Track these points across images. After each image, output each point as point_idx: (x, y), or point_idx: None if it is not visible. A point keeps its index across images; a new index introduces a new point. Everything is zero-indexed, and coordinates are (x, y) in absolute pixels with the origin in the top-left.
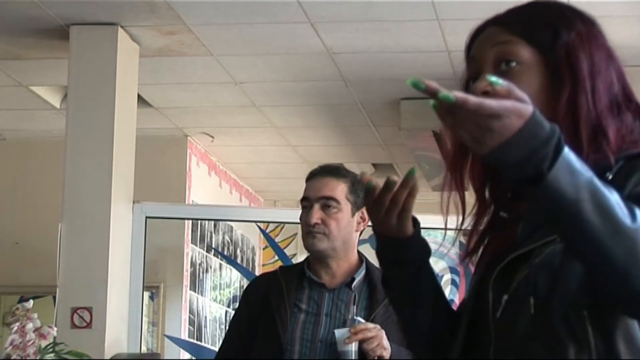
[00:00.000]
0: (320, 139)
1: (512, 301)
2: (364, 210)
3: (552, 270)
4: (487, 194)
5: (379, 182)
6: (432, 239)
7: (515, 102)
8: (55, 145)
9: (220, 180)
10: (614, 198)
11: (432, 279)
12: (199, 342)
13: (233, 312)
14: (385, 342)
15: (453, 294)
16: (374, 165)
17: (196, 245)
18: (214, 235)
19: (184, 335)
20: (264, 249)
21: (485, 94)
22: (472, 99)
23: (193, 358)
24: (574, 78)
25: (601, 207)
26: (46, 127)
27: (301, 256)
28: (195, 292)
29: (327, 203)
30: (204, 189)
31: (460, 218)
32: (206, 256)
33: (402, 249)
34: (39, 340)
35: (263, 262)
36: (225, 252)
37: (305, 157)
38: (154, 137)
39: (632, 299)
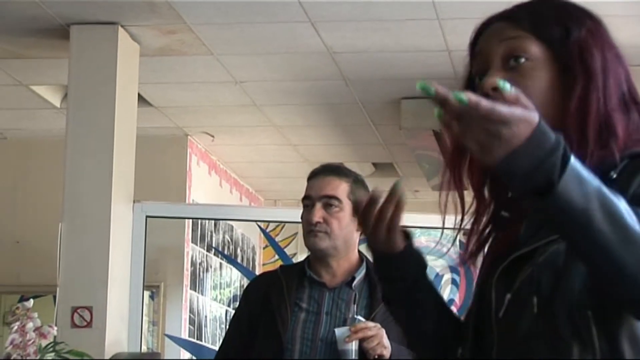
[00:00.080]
0: (320, 139)
1: (515, 300)
2: None
3: (556, 270)
4: (486, 192)
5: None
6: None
7: (523, 109)
8: (55, 145)
9: (220, 180)
10: (623, 206)
11: (431, 291)
12: (199, 342)
13: (233, 312)
14: (386, 341)
15: (453, 293)
16: (374, 164)
17: (196, 245)
18: (214, 235)
19: (184, 335)
20: (264, 248)
21: (494, 90)
22: (485, 102)
23: (193, 357)
24: (586, 74)
25: (611, 216)
26: (46, 126)
27: (301, 255)
28: (195, 291)
29: (329, 202)
30: (204, 188)
31: (460, 217)
32: (206, 255)
33: (394, 264)
34: (39, 340)
35: (263, 262)
36: (226, 252)
37: (306, 156)
38: (155, 137)
39: (639, 303)
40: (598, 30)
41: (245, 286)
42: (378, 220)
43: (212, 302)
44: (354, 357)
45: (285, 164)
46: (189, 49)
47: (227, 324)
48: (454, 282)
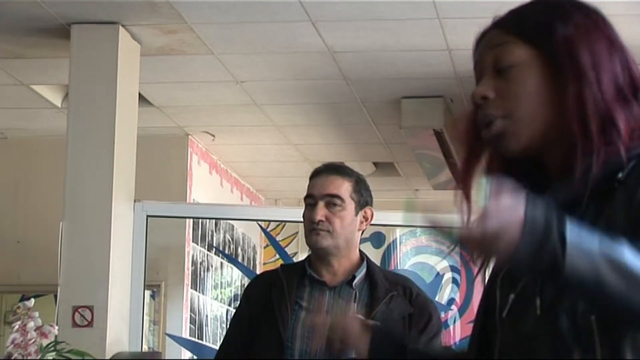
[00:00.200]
0: (321, 138)
1: (519, 301)
2: (366, 209)
3: None
4: None
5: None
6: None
7: (508, 209)
8: (56, 144)
9: (221, 179)
10: (626, 253)
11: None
12: (200, 341)
13: (234, 311)
14: None
15: (454, 292)
16: (375, 163)
17: (197, 244)
18: (215, 234)
19: (185, 334)
20: (265, 247)
21: (484, 99)
22: (474, 233)
23: (194, 357)
24: (576, 71)
25: (621, 270)
26: (47, 126)
27: (302, 255)
28: (196, 290)
29: (332, 201)
30: (205, 187)
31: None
32: (207, 255)
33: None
34: (40, 339)
35: (264, 261)
36: (227, 251)
37: (307, 155)
38: (155, 136)
39: None
40: (589, 24)
41: (246, 285)
42: (328, 342)
43: (213, 301)
44: (353, 355)
45: (286, 164)
46: (190, 48)
47: (228, 323)
48: (454, 281)
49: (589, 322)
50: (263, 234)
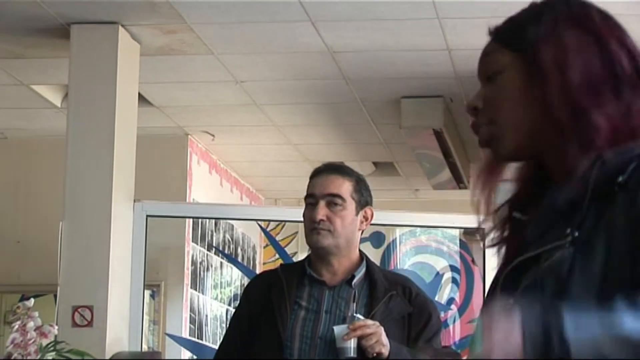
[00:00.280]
0: (321, 138)
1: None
2: (367, 209)
3: (560, 277)
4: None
5: None
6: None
7: (501, 334)
8: (56, 144)
9: (221, 179)
10: (627, 322)
11: None
12: (200, 341)
13: (234, 310)
14: (384, 339)
15: (454, 292)
16: (375, 163)
17: (197, 244)
18: (214, 234)
19: (185, 334)
20: (264, 247)
21: (475, 109)
22: None
23: (194, 356)
24: (541, 70)
25: (624, 344)
26: (47, 125)
27: (302, 254)
28: (196, 290)
29: (333, 200)
30: (204, 187)
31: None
32: (207, 255)
33: None
34: (40, 339)
35: (264, 261)
36: (226, 251)
37: (306, 155)
38: (155, 136)
39: None
40: (563, 20)
41: (245, 285)
42: None
43: (213, 301)
44: (352, 354)
45: (286, 163)
46: (190, 48)
47: (228, 322)
48: (454, 281)
49: None
50: (263, 234)
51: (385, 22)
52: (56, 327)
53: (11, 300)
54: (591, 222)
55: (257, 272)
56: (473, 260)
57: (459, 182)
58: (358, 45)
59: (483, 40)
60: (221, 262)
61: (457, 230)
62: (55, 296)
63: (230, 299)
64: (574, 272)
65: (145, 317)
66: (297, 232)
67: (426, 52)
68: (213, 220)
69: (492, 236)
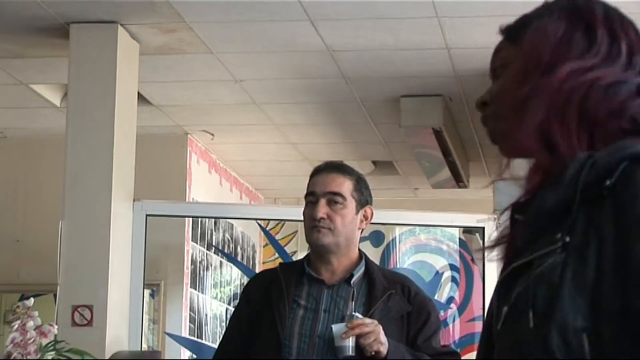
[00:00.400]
0: (320, 137)
1: (512, 313)
2: (366, 208)
3: (552, 284)
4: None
5: None
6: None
7: None
8: (55, 144)
9: (220, 178)
10: None
11: None
12: (199, 340)
13: (233, 309)
14: (383, 337)
15: (453, 291)
16: (374, 162)
17: (196, 243)
18: (214, 233)
19: (185, 333)
20: (264, 246)
21: (484, 104)
22: None
23: (194, 356)
24: (521, 62)
25: None
26: (47, 125)
27: (301, 253)
28: (195, 289)
29: (334, 199)
30: (204, 186)
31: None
32: (207, 254)
33: None
34: (39, 338)
35: (263, 260)
36: (226, 250)
37: (306, 154)
38: (154, 135)
39: None
40: (564, 10)
41: (245, 284)
42: None
43: (213, 300)
44: (351, 353)
45: (285, 162)
46: (189, 47)
47: (227, 322)
48: (453, 279)
49: (580, 339)
50: (262, 233)
51: (384, 21)
52: (56, 327)
53: (11, 299)
54: (582, 226)
55: (257, 271)
56: (473, 259)
57: (458, 181)
58: (357, 44)
59: (482, 39)
60: (221, 261)
61: (457, 229)
62: (55, 295)
63: (230, 298)
64: (566, 278)
65: (145, 316)
66: (296, 231)
67: (425, 51)
68: (213, 220)
69: (492, 237)
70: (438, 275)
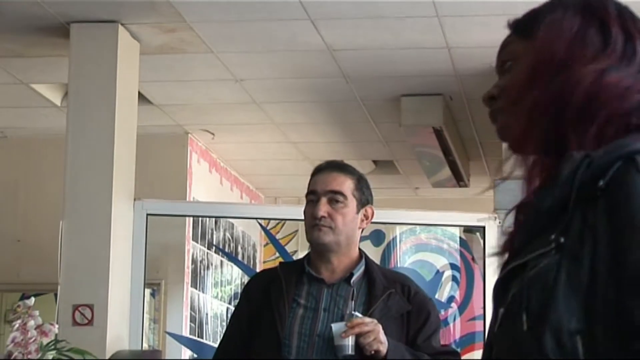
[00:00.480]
0: (320, 136)
1: (507, 315)
2: (367, 208)
3: (545, 286)
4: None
5: None
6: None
7: None
8: (56, 143)
9: (221, 178)
10: None
11: None
12: (200, 339)
13: (234, 309)
14: (382, 337)
15: (454, 290)
16: (375, 162)
17: (197, 242)
18: (215, 232)
19: (185, 332)
20: (265, 245)
21: (492, 98)
22: None
23: (194, 355)
24: (530, 57)
25: None
26: (47, 124)
27: (302, 253)
28: (196, 289)
29: (335, 197)
30: (204, 186)
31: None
32: (207, 253)
33: None
34: (40, 338)
35: (264, 259)
36: (226, 249)
37: (306, 154)
38: (155, 135)
39: None
40: (578, 6)
41: (245, 283)
42: None
43: (213, 299)
44: (350, 352)
45: (286, 162)
46: (189, 46)
47: (228, 321)
48: (454, 279)
49: (574, 341)
50: (263, 232)
51: (384, 21)
52: (57, 326)
53: (11, 299)
54: (576, 227)
55: (257, 270)
56: (473, 258)
57: (458, 180)
58: (357, 43)
59: (482, 38)
60: (221, 261)
61: (457, 228)
62: (56, 295)
63: (231, 298)
64: (560, 280)
65: (146, 315)
66: (297, 231)
67: (426, 50)
68: (213, 219)
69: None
70: (438, 274)
